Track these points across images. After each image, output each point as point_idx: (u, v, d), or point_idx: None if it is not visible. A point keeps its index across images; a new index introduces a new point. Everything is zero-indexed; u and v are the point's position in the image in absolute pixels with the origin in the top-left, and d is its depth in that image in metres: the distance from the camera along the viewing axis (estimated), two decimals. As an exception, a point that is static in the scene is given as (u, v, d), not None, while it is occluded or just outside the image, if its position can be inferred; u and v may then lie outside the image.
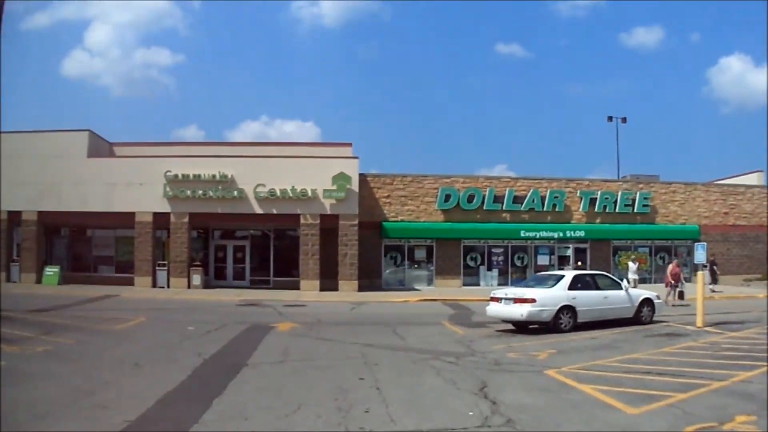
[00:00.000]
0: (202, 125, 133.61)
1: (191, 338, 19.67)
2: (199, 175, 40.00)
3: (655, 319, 24.24)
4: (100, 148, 43.47)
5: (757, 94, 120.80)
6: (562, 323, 21.50)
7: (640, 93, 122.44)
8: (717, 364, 14.73)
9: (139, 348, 17.63)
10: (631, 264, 37.71)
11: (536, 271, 43.94)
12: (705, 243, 25.29)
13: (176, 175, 39.99)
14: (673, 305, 30.87)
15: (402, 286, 44.42)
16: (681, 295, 31.90)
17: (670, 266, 33.37)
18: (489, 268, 46.16)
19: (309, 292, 38.91)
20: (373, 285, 42.69)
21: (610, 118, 64.47)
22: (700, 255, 24.70)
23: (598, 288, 23.26)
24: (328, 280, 40.05)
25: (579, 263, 43.02)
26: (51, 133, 41.26)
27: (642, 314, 23.84)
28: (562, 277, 23.22)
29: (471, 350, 17.58)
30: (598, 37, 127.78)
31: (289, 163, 41.09)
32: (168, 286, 40.02)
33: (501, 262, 46.36)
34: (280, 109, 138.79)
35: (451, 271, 45.20)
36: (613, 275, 28.33)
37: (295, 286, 40.10)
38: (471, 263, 46.02)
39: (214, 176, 39.98)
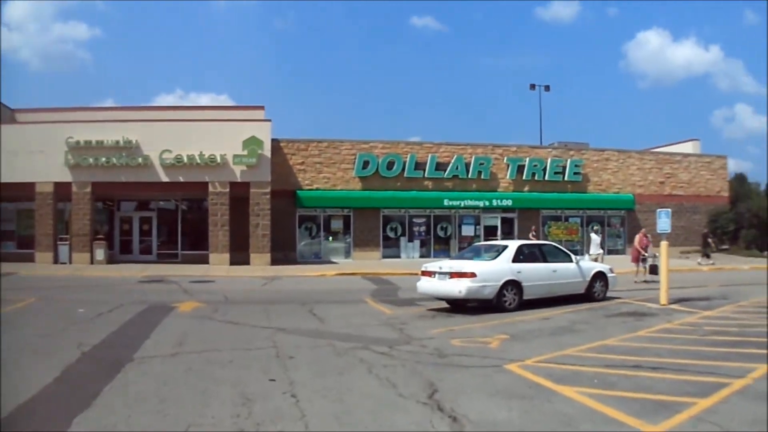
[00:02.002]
0: (118, 99, 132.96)
1: (78, 323, 16.70)
2: (102, 141, 37.03)
3: (608, 295, 21.87)
4: (2, 114, 40.44)
5: (675, 68, 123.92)
6: (506, 301, 18.81)
7: (557, 67, 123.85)
8: (716, 354, 12.10)
9: (12, 338, 14.46)
10: (594, 236, 34.26)
11: (460, 242, 42.97)
12: (669, 210, 22.34)
13: (78, 142, 36.97)
14: (644, 281, 27.89)
15: (318, 259, 42.18)
16: (654, 270, 27.56)
17: (638, 236, 30.11)
18: (410, 239, 44.16)
19: (218, 266, 36.37)
20: (287, 258, 40.41)
21: (532, 86, 63.78)
22: (663, 223, 21.69)
23: (545, 260, 20.64)
24: (240, 254, 37.55)
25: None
26: (-55, 100, 37.62)
27: (594, 290, 21.34)
28: (505, 247, 20.33)
29: (405, 336, 14.72)
30: (514, 11, 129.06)
31: (196, 127, 38.29)
32: (70, 262, 37.21)
33: (423, 233, 44.42)
34: (194, 83, 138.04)
35: (370, 243, 43.00)
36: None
37: (205, 260, 37.67)
38: (391, 234, 43.95)
39: (117, 142, 37.04)
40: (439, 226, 44.47)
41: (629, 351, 12.61)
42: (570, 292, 20.80)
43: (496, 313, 18.17)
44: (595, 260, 29.19)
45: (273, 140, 39.37)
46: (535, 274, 19.74)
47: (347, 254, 42.89)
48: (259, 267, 36.34)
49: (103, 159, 36.91)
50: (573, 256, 21.67)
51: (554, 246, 23.05)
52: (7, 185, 36.64)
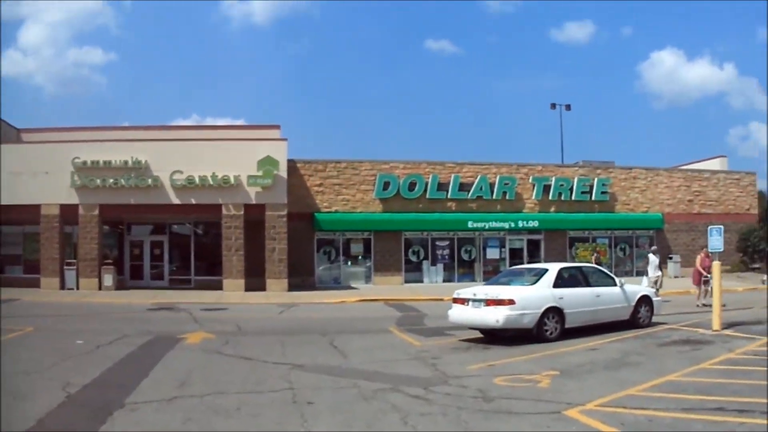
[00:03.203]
0: (133, 124, 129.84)
1: (72, 357, 15.15)
2: (110, 162, 35.49)
3: (653, 320, 20.25)
4: (6, 133, 39.09)
5: (690, 88, 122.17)
6: (547, 330, 17.16)
7: (573, 88, 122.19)
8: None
9: (-8, 375, 13.00)
10: (652, 257, 30.60)
11: (485, 265, 41.83)
12: (721, 227, 20.56)
13: (85, 162, 35.42)
14: (704, 305, 25.76)
15: (337, 284, 40.64)
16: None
17: (699, 257, 28.11)
18: (433, 263, 42.49)
19: (233, 292, 34.81)
20: (305, 284, 38.73)
21: (553, 105, 61.78)
22: (716, 241, 19.98)
23: (588, 284, 19.03)
24: (255, 279, 35.90)
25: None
26: (-52, 120, 36.32)
27: (639, 315, 19.79)
28: (545, 271, 18.72)
29: (440, 373, 13.02)
30: (528, 33, 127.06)
31: (208, 146, 36.87)
32: (77, 288, 35.52)
33: (446, 256, 42.74)
34: (210, 108, 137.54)
35: (391, 267, 41.45)
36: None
37: (219, 287, 35.95)
38: (413, 258, 42.35)
39: (126, 162, 35.48)
40: (463, 249, 42.97)
41: (702, 389, 10.94)
42: (614, 318, 19.28)
43: (536, 344, 16.57)
44: (655, 283, 27.48)
45: (289, 161, 38.04)
46: (578, 299, 18.12)
47: (368, 279, 41.49)
48: (276, 293, 34.81)
49: (111, 180, 35.30)
50: (617, 279, 20.12)
51: (597, 268, 21.64)
52: (11, 207, 35.28)
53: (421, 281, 41.62)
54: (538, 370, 13.12)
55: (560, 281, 18.17)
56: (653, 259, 29.69)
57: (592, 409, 9.76)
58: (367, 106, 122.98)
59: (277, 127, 41.42)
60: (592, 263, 30.28)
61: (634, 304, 19.66)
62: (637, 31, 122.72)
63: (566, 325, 17.57)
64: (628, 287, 20.07)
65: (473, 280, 40.51)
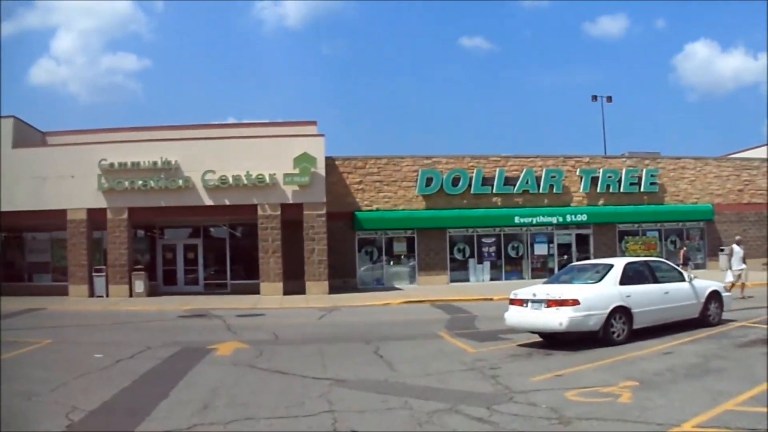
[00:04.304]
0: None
1: (86, 374, 13.64)
2: (138, 163, 34.32)
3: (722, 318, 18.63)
4: (31, 137, 37.79)
5: (724, 79, 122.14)
6: (614, 332, 15.59)
7: (609, 83, 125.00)
8: None
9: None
10: (736, 248, 28.33)
11: (532, 262, 40.56)
12: None
13: (112, 164, 34.30)
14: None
15: (380, 285, 39.32)
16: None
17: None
18: (479, 261, 41.04)
19: (271, 296, 33.42)
20: (346, 285, 37.50)
21: (594, 98, 60.44)
22: None
23: (656, 280, 17.39)
24: (294, 282, 34.59)
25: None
26: (-31, 123, 35.28)
27: (709, 313, 18.15)
28: (610, 267, 17.11)
29: (503, 388, 11.32)
30: (563, 28, 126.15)
31: (241, 144, 35.58)
32: (107, 295, 34.38)
33: (493, 254, 41.24)
34: (246, 112, 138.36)
35: (436, 266, 40.03)
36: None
37: (257, 290, 34.63)
38: (458, 256, 40.88)
39: (155, 163, 34.31)
40: (510, 246, 41.49)
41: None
42: (683, 317, 17.64)
43: (602, 348, 14.98)
44: (739, 277, 26.23)
45: (327, 158, 36.77)
46: (646, 297, 16.55)
47: (412, 279, 40.19)
48: (316, 296, 33.57)
49: (140, 182, 34.19)
50: (686, 274, 18.60)
51: (663, 262, 20.04)
52: (37, 213, 34.49)
53: (468, 280, 40.33)
54: (614, 380, 11.55)
55: (626, 278, 16.63)
56: (737, 251, 27.75)
57: (692, 431, 8.21)
58: (406, 104, 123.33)
59: (314, 123, 40.11)
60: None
61: (703, 300, 18.10)
62: (671, 24, 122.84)
63: (634, 326, 16.06)
64: (697, 282, 18.47)
65: (521, 277, 39.51)
